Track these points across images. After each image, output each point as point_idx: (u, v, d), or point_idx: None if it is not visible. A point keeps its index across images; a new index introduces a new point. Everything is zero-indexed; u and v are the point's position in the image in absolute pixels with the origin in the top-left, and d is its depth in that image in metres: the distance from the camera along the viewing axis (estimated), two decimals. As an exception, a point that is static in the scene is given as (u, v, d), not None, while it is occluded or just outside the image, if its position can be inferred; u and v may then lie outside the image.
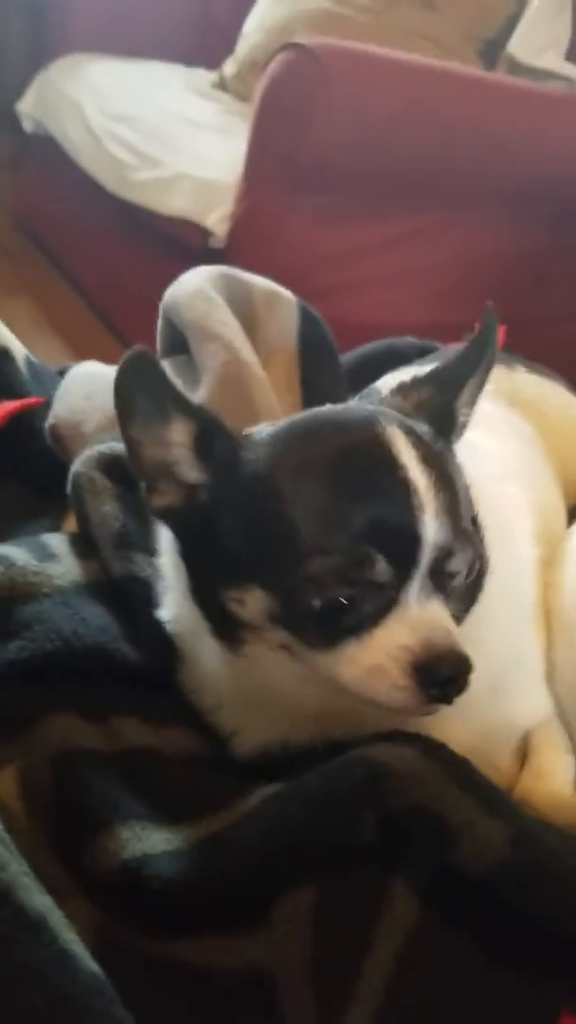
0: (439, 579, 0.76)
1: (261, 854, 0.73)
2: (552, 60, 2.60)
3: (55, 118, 2.94)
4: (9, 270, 3.13)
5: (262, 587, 0.77)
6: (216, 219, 2.41)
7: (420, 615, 0.74)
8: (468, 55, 2.71)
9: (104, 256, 2.91)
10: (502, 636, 0.90)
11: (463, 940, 0.72)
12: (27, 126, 3.08)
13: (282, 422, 0.83)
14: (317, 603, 0.74)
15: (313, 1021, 0.68)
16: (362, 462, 0.76)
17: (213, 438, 0.80)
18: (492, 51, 2.73)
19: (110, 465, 1.00)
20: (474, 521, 0.83)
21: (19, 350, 1.28)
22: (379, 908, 0.72)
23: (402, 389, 0.89)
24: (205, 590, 0.83)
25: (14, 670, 0.83)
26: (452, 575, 0.78)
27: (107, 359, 1.26)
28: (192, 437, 0.80)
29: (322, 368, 1.35)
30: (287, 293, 1.37)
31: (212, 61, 3.04)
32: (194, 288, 1.24)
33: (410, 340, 1.51)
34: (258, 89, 2.31)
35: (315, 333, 1.36)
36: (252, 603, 0.78)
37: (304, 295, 1.43)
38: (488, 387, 1.11)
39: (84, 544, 0.97)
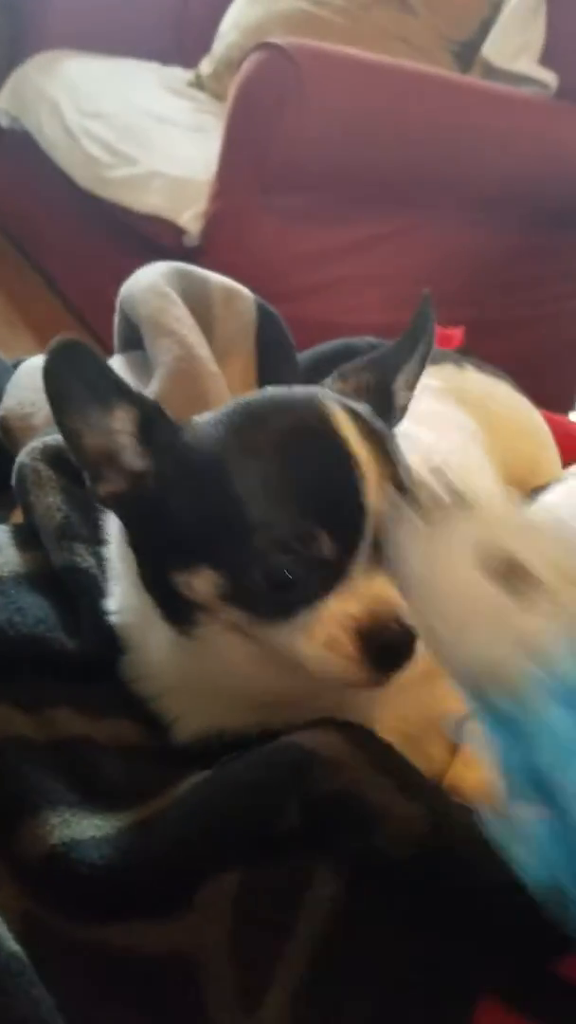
0: (383, 549, 0.77)
1: (185, 839, 0.74)
2: (526, 64, 2.61)
3: (31, 114, 2.94)
4: (-18, 265, 3.14)
5: (212, 567, 0.78)
6: (190, 217, 2.41)
7: (366, 586, 0.76)
8: (443, 58, 2.73)
9: (78, 253, 2.91)
10: None
11: (384, 925, 0.73)
12: (2, 121, 3.08)
13: (225, 405, 0.84)
14: (266, 578, 0.75)
15: (234, 1003, 0.69)
16: (304, 438, 0.78)
17: (155, 424, 0.81)
18: (467, 54, 2.74)
19: (55, 456, 1.00)
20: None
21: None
22: (301, 892, 0.72)
23: (342, 374, 0.91)
24: (155, 575, 0.84)
25: None
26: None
27: None
28: (135, 424, 0.81)
29: (279, 366, 1.35)
30: (245, 290, 1.38)
31: (188, 60, 3.05)
32: (149, 283, 1.25)
33: (368, 339, 1.52)
34: (232, 88, 2.31)
35: (273, 331, 1.37)
36: (202, 584, 0.79)
37: (276, 295, 1.43)
38: (436, 385, 1.12)
39: (27, 535, 0.97)
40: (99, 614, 0.91)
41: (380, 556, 0.77)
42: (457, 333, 1.64)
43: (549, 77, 2.61)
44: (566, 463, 1.28)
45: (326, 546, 0.75)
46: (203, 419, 0.83)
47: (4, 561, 0.92)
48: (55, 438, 1.03)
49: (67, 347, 0.77)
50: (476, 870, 0.70)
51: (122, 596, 0.90)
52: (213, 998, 0.69)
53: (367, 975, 0.71)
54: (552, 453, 1.29)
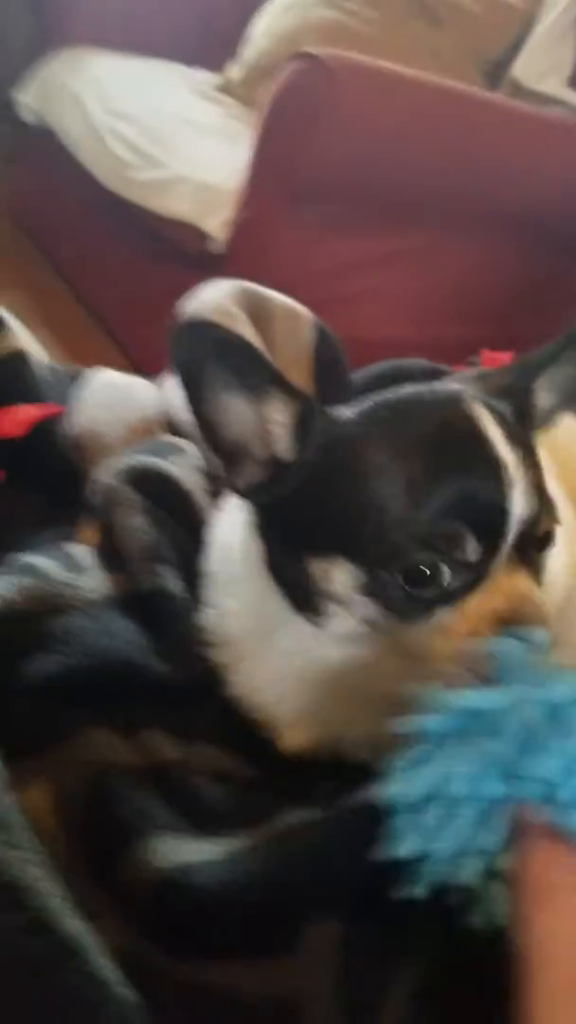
0: (525, 549, 0.78)
1: (299, 867, 0.74)
2: (554, 86, 2.63)
3: (56, 111, 2.91)
4: (0, 264, 3.10)
5: (351, 558, 0.78)
6: (216, 224, 2.41)
7: (509, 585, 0.76)
8: (472, 75, 2.74)
9: (99, 254, 2.89)
10: None
11: (480, 979, 0.73)
12: (27, 117, 3.05)
13: (367, 402, 0.84)
14: (404, 573, 0.75)
15: None
16: (451, 438, 0.78)
17: (314, 417, 0.81)
18: (496, 73, 2.75)
19: (139, 478, 1.00)
20: None
21: (36, 353, 1.27)
22: (403, 941, 0.73)
23: (481, 376, 0.91)
24: (288, 565, 0.83)
25: (46, 685, 0.83)
26: (537, 542, 0.79)
27: (99, 359, 1.27)
28: (293, 415, 0.80)
29: (334, 386, 1.36)
30: (305, 311, 1.38)
31: (213, 63, 3.03)
32: (216, 304, 1.25)
33: (420, 362, 1.52)
34: (266, 96, 2.31)
35: (329, 352, 1.38)
36: (338, 575, 0.79)
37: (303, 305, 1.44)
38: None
39: (110, 557, 0.97)
40: (189, 639, 0.91)
41: (522, 557, 0.77)
42: (505, 357, 1.64)
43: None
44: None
45: (470, 547, 0.75)
46: (347, 413, 0.83)
47: (94, 584, 0.92)
48: (135, 459, 1.03)
49: (207, 329, 0.78)
50: None
51: (244, 602, 0.90)
52: None
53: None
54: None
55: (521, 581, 0.76)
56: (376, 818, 0.75)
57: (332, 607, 0.81)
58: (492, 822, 0.61)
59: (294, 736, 0.89)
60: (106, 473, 1.01)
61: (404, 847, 0.62)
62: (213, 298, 1.26)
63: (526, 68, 2.65)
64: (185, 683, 0.90)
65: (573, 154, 2.57)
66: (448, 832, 0.61)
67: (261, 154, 2.32)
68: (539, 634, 0.73)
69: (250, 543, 0.88)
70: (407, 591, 0.76)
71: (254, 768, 0.88)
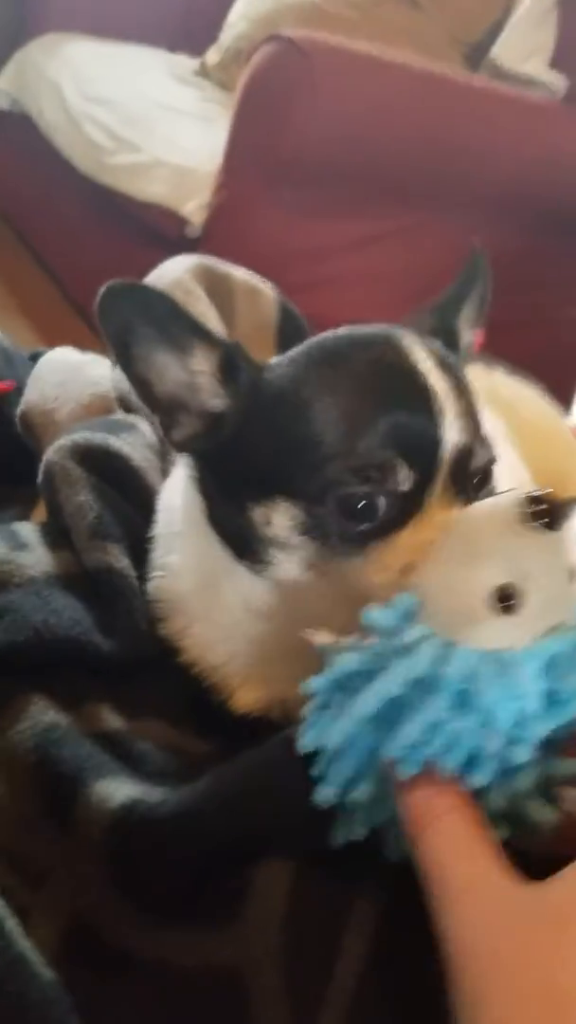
0: (461, 481, 0.77)
1: (255, 791, 0.72)
2: (535, 67, 2.61)
3: (32, 96, 2.90)
4: (-22, 249, 3.09)
5: (288, 498, 0.77)
6: (193, 208, 2.39)
7: (443, 517, 0.75)
8: (452, 57, 2.72)
9: (76, 239, 2.87)
10: None
11: (429, 943, 0.72)
12: (3, 103, 3.03)
13: (302, 344, 0.83)
14: (340, 505, 0.75)
15: (287, 1021, 0.67)
16: (383, 371, 0.77)
17: (237, 363, 0.80)
18: (476, 55, 2.73)
19: (84, 455, 0.98)
20: None
21: (-8, 332, 1.25)
22: (348, 908, 0.71)
23: (404, 321, 0.90)
24: (229, 515, 0.83)
25: None
26: (473, 475, 0.79)
27: (76, 344, 1.25)
28: (216, 365, 0.80)
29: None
30: (267, 287, 1.36)
31: (195, 47, 3.02)
32: (174, 277, 1.23)
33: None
34: (241, 79, 2.29)
35: (293, 327, 1.36)
36: (279, 517, 0.79)
37: (278, 289, 1.42)
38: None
39: (56, 534, 0.95)
40: (135, 614, 0.89)
41: (457, 487, 0.77)
42: (478, 335, 1.62)
43: (558, 81, 2.61)
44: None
45: (403, 476, 0.74)
46: (280, 358, 0.82)
47: (35, 561, 0.90)
48: (84, 435, 1.00)
49: (129, 289, 0.76)
50: None
51: (187, 556, 0.89)
52: (262, 1015, 0.67)
53: (415, 994, 0.70)
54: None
55: (455, 512, 0.76)
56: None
57: (273, 553, 0.81)
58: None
59: (245, 696, 0.88)
60: (52, 450, 0.99)
61: (321, 794, 0.64)
62: (171, 273, 1.24)
63: (506, 50, 2.63)
64: (132, 659, 0.88)
65: (554, 135, 2.55)
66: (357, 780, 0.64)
67: (237, 137, 2.30)
68: None
69: (191, 498, 0.87)
70: (343, 524, 0.76)
71: (204, 743, 0.87)
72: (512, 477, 1.05)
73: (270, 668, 0.87)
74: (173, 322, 0.78)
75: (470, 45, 2.70)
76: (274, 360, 0.83)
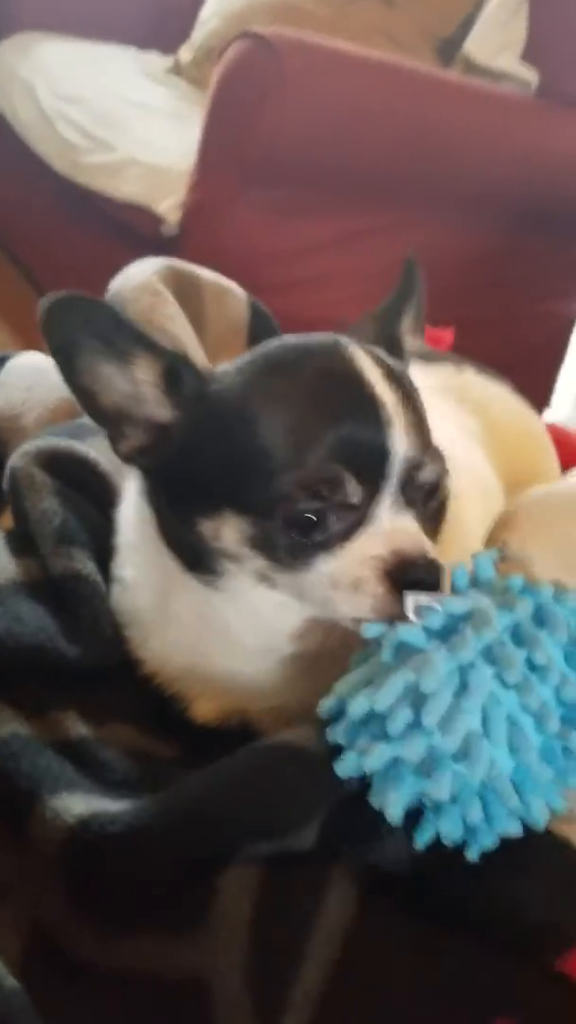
0: (410, 493, 0.78)
1: (213, 805, 0.73)
2: (508, 61, 2.60)
3: (5, 96, 2.87)
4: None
5: (236, 512, 0.77)
6: (168, 206, 2.38)
7: (391, 527, 0.76)
8: (425, 53, 2.71)
9: (52, 239, 2.85)
10: None
11: (396, 949, 0.72)
12: (-24, 103, 3.00)
13: (246, 354, 0.83)
14: (289, 521, 0.75)
15: None
16: (330, 382, 0.78)
17: (181, 373, 0.80)
18: (448, 50, 2.72)
19: (49, 460, 0.98)
20: None
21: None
22: (315, 916, 0.72)
23: (349, 331, 0.90)
24: (180, 527, 0.83)
25: None
26: (422, 487, 0.79)
27: None
28: (159, 375, 0.80)
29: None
30: (237, 288, 1.36)
31: (167, 46, 3.00)
32: (141, 280, 1.22)
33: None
34: (213, 78, 2.28)
35: (265, 328, 1.36)
36: (227, 531, 0.79)
37: (254, 288, 1.41)
38: (435, 383, 1.12)
39: (20, 541, 0.95)
40: (101, 620, 0.89)
41: (406, 499, 0.77)
42: (447, 334, 1.63)
43: (530, 75, 2.60)
44: (564, 470, 1.28)
45: (352, 490, 0.75)
46: (226, 367, 0.82)
47: (0, 568, 0.90)
48: (49, 441, 1.00)
49: (71, 302, 0.76)
50: (470, 877, 0.72)
51: (140, 570, 0.89)
52: (227, 1020, 0.68)
53: (381, 1000, 0.70)
54: (551, 458, 1.29)
55: (404, 522, 0.76)
56: (288, 757, 0.75)
57: (225, 564, 0.81)
58: None
59: (203, 707, 0.89)
60: (17, 456, 0.98)
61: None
62: (138, 276, 1.23)
63: (479, 45, 2.63)
64: (97, 665, 0.89)
65: (527, 129, 2.55)
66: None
67: (210, 135, 2.29)
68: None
69: (142, 511, 0.87)
70: (292, 538, 0.76)
71: (171, 747, 0.87)
72: (474, 479, 1.05)
73: (227, 680, 0.87)
74: (116, 333, 0.78)
75: (443, 40, 2.69)
76: (221, 369, 0.83)
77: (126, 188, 2.45)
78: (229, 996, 0.68)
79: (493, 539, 0.80)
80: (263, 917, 0.71)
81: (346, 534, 0.76)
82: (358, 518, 0.76)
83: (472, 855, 0.72)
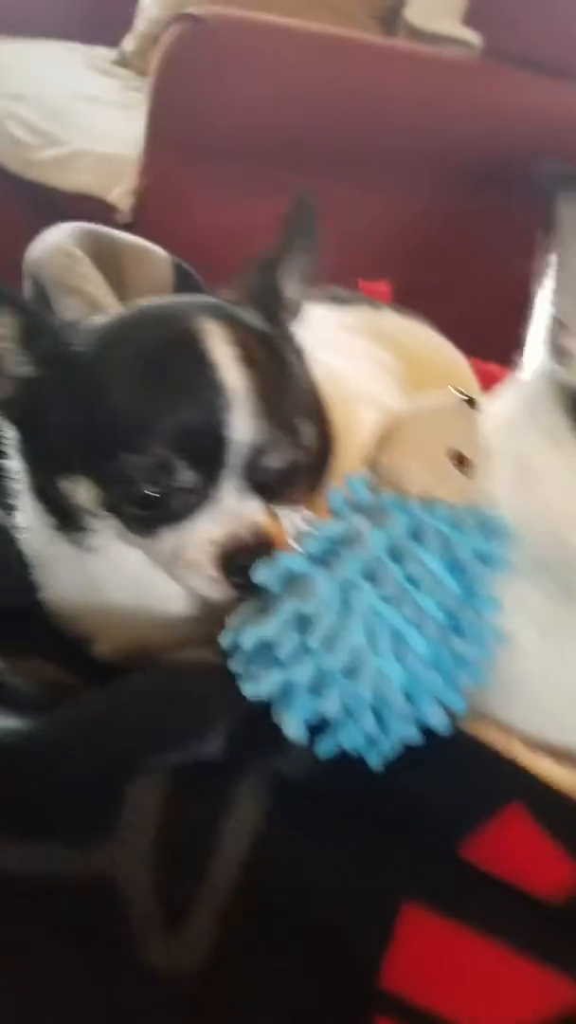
0: (256, 476, 0.78)
1: (117, 715, 0.74)
2: (449, 25, 2.60)
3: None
4: None
5: (87, 476, 0.79)
6: (120, 194, 2.39)
7: (231, 511, 0.76)
8: (368, 24, 2.71)
9: (8, 237, 2.86)
10: None
11: (305, 843, 0.73)
12: None
13: (112, 314, 0.85)
14: (129, 498, 0.76)
15: (158, 925, 0.69)
16: (173, 360, 0.77)
17: (40, 331, 0.81)
18: (391, 19, 2.72)
19: None
20: (317, 407, 0.87)
21: None
22: (223, 816, 0.72)
23: (231, 282, 0.91)
24: (45, 484, 0.84)
25: None
26: (270, 471, 0.79)
27: None
28: (17, 331, 0.81)
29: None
30: (158, 249, 1.37)
31: (112, 39, 3.02)
32: (54, 244, 1.23)
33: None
34: (153, 62, 2.29)
35: (190, 288, 1.36)
36: (81, 492, 0.80)
37: (215, 268, 1.41)
38: (350, 322, 1.12)
39: None
40: (10, 561, 0.90)
41: (253, 483, 0.78)
42: (383, 287, 1.63)
43: (473, 37, 2.60)
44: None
45: (186, 477, 0.75)
46: (88, 326, 0.83)
47: None
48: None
49: None
50: (373, 776, 0.73)
51: (27, 514, 0.90)
52: (137, 920, 0.69)
53: (291, 891, 0.71)
54: (472, 390, 1.29)
55: (248, 507, 0.77)
56: (192, 670, 0.77)
57: (89, 521, 0.82)
58: None
59: (104, 645, 0.90)
60: None
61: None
62: (52, 239, 1.24)
63: (419, 10, 2.63)
64: (11, 605, 0.89)
65: (473, 90, 2.54)
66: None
67: (155, 119, 2.30)
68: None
69: (20, 462, 0.88)
70: (136, 512, 0.77)
71: (83, 679, 0.87)
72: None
73: (122, 618, 0.88)
74: None
75: (384, 9, 2.69)
76: (85, 327, 0.83)
77: (77, 180, 2.46)
78: (138, 895, 0.70)
79: (370, 459, 0.80)
80: (172, 820, 0.72)
81: (187, 514, 0.77)
82: (198, 500, 0.77)
83: (373, 762, 0.73)
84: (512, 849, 0.71)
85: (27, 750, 0.72)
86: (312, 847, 0.73)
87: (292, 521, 0.77)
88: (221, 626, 0.78)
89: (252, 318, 0.84)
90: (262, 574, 0.73)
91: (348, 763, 0.73)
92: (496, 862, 0.71)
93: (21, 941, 0.70)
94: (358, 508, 0.75)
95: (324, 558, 0.73)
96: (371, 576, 0.72)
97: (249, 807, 0.73)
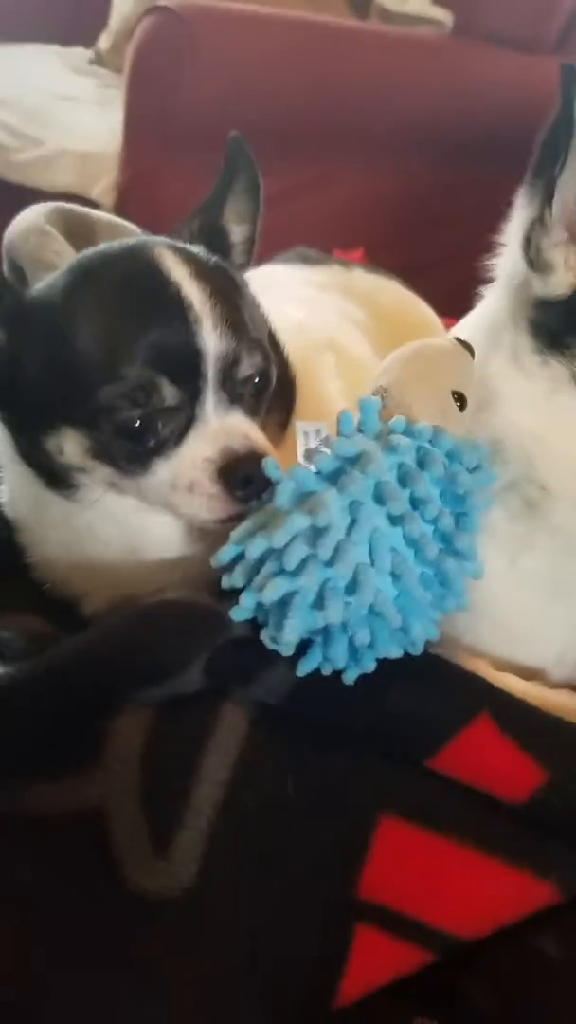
0: (232, 388, 0.80)
1: (97, 653, 0.76)
2: (420, 5, 2.62)
3: None
4: None
5: (71, 425, 0.80)
6: (101, 190, 2.42)
7: (218, 426, 0.78)
8: (340, 7, 2.73)
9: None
10: None
11: (285, 765, 0.75)
12: None
13: (64, 265, 0.86)
14: (116, 431, 0.77)
15: (144, 847, 0.71)
16: (135, 287, 0.79)
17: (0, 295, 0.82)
18: (363, 2, 2.74)
19: None
20: (270, 336, 0.88)
21: None
22: (205, 742, 0.75)
23: (172, 230, 0.93)
24: (30, 446, 0.85)
25: None
26: (244, 382, 0.81)
27: None
28: None
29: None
30: (131, 225, 1.39)
31: (89, 39, 3.04)
32: (28, 223, 1.26)
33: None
34: (127, 56, 2.31)
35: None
36: (68, 445, 0.81)
37: None
38: (320, 280, 1.14)
39: None
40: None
41: (230, 396, 0.79)
42: (357, 257, 1.65)
43: (443, 15, 2.62)
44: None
45: (169, 393, 0.76)
46: (44, 282, 0.84)
47: None
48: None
49: None
50: (346, 698, 0.74)
51: (12, 482, 0.92)
52: (124, 843, 0.71)
53: (271, 810, 0.73)
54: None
55: (231, 420, 0.79)
56: (169, 608, 0.79)
57: (77, 477, 0.84)
58: None
59: (93, 603, 0.91)
60: None
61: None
62: (27, 219, 1.27)
63: (387, -8, 2.65)
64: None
65: (445, 67, 2.57)
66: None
67: (131, 112, 2.33)
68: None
69: (3, 429, 0.89)
70: (125, 447, 0.78)
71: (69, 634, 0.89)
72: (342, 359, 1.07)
73: (110, 574, 0.90)
74: None
75: (355, -7, 2.72)
76: (40, 283, 0.85)
77: (59, 179, 2.49)
78: (125, 820, 0.72)
79: (373, 387, 0.82)
80: (155, 749, 0.74)
81: (177, 438, 0.78)
82: (185, 420, 0.78)
83: (349, 678, 0.75)
84: (479, 757, 0.73)
85: (12, 691, 0.74)
86: (290, 768, 0.75)
87: (307, 439, 0.78)
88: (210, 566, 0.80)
89: (197, 249, 0.86)
90: (279, 492, 0.74)
91: (323, 685, 0.75)
92: (464, 770, 0.73)
93: (11, 878, 0.71)
94: (368, 431, 0.77)
95: (334, 476, 0.75)
96: (379, 496, 0.74)
97: (229, 733, 0.75)
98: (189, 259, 0.81)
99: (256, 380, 0.82)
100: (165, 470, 0.79)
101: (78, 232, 1.30)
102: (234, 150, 0.96)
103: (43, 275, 1.21)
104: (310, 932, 0.71)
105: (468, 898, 0.70)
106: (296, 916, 0.71)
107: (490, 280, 2.71)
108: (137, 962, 0.68)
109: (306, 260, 1.22)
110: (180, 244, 0.84)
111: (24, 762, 0.75)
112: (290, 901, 0.71)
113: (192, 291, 0.78)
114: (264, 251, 2.56)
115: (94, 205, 2.41)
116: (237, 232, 0.94)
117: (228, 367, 0.79)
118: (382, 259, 1.78)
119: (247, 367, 0.81)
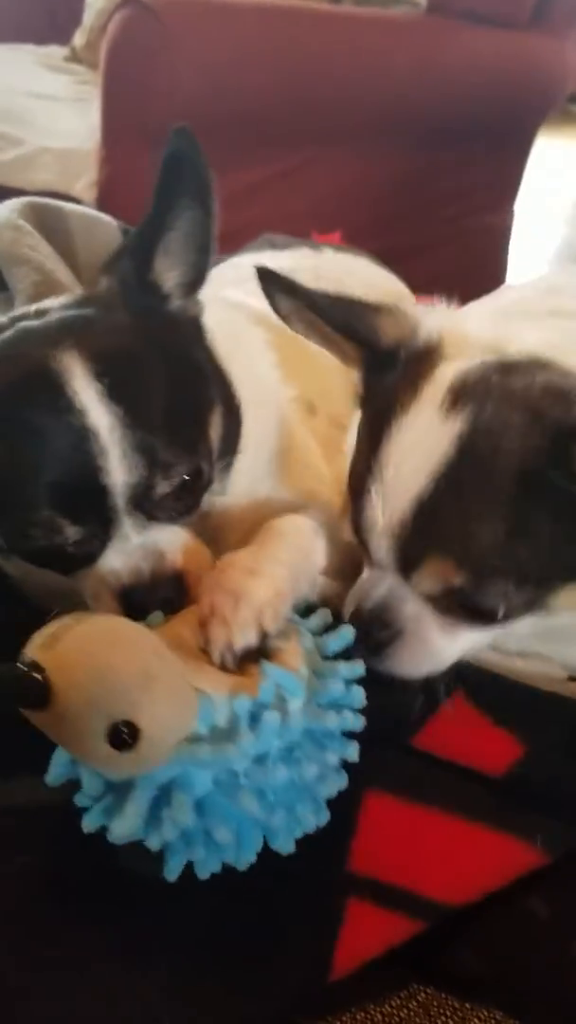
0: (151, 508, 0.77)
1: None
2: (393, -15, 2.61)
3: None
4: None
5: None
6: (82, 187, 2.41)
7: (135, 544, 0.77)
8: (317, -7, 2.72)
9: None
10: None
11: None
12: None
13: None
14: (30, 552, 0.78)
15: None
16: (34, 413, 0.74)
17: None
18: (338, -14, 2.73)
19: None
20: (221, 379, 0.86)
21: None
22: None
23: (101, 272, 0.88)
24: None
25: None
26: (164, 498, 0.78)
27: None
28: None
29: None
30: (106, 217, 1.39)
31: (64, 37, 3.04)
32: (1, 220, 1.25)
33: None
34: (102, 51, 2.31)
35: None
36: None
37: None
38: (289, 265, 1.14)
39: None
40: None
41: (148, 512, 0.77)
42: (335, 239, 1.65)
43: (418, -5, 2.61)
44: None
45: (71, 532, 0.75)
46: None
47: None
48: None
49: None
50: None
51: None
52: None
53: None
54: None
55: (155, 537, 0.77)
56: None
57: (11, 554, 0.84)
58: None
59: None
60: None
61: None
62: (2, 216, 1.26)
63: (362, -27, 2.63)
64: None
65: (421, 46, 2.55)
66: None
67: (108, 108, 2.32)
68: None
69: None
70: (39, 558, 0.78)
71: None
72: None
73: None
74: None
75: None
76: None
77: (39, 178, 2.48)
78: None
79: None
80: None
81: (89, 557, 0.77)
82: (98, 544, 0.77)
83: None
84: (456, 734, 0.73)
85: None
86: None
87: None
88: None
89: (120, 329, 0.80)
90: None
91: None
92: (444, 748, 0.74)
93: (12, 869, 0.73)
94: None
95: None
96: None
97: None
98: (99, 367, 0.74)
99: (184, 483, 0.79)
100: (82, 576, 0.78)
101: (51, 226, 1.30)
102: (179, 142, 0.88)
103: (17, 269, 1.22)
104: (304, 907, 0.71)
105: (455, 865, 0.71)
106: (289, 892, 0.72)
107: (465, 264, 2.67)
108: (125, 940, 0.68)
109: (274, 246, 1.21)
110: (93, 332, 0.78)
111: (14, 759, 0.76)
112: (282, 878, 0.72)
113: (99, 418, 0.73)
114: (245, 241, 2.57)
115: (76, 202, 2.42)
116: (171, 278, 0.86)
117: (141, 493, 0.76)
118: (364, 245, 1.78)
119: (164, 487, 0.77)
